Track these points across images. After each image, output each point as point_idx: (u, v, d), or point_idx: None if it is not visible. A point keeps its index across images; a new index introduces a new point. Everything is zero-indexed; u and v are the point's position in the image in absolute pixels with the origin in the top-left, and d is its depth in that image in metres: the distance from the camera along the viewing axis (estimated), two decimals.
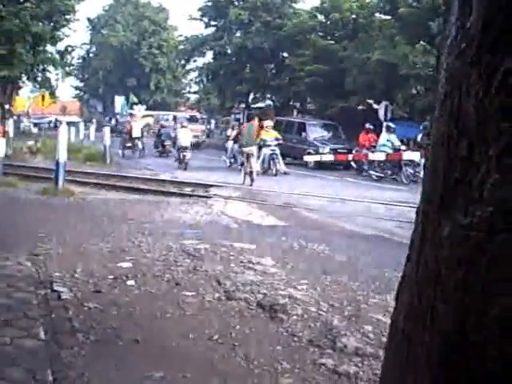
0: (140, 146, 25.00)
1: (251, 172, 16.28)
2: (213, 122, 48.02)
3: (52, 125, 41.21)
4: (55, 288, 5.09)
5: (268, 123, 20.58)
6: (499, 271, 0.71)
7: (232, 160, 21.48)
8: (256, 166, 16.83)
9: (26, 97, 39.42)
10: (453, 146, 0.82)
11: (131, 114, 30.64)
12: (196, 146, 30.03)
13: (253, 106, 40.32)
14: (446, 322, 0.78)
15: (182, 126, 22.75)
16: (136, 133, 24.91)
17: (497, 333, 0.70)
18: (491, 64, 0.76)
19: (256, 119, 18.51)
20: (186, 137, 21.37)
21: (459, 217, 0.78)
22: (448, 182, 0.82)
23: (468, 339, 0.74)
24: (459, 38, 0.83)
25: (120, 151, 24.71)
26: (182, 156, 20.75)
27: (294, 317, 4.73)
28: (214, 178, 16.74)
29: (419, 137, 21.09)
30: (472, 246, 0.75)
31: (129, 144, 25.26)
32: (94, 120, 46.86)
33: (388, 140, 20.06)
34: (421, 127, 21.16)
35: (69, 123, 23.40)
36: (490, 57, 0.76)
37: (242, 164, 17.37)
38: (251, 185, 15.97)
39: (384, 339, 3.58)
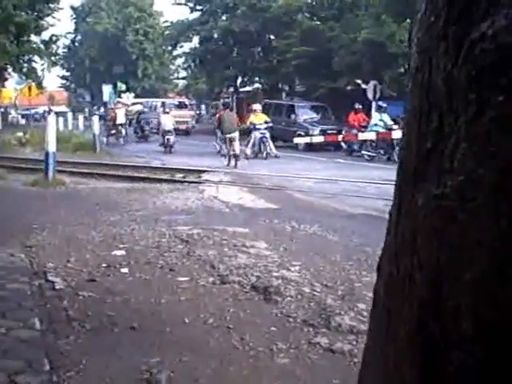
0: (123, 132, 25.73)
1: (235, 155, 17.09)
2: (203, 107, 47.80)
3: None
4: (49, 278, 5.11)
5: (257, 107, 20.71)
6: (470, 237, 0.74)
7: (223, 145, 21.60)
8: (239, 148, 17.56)
9: (12, 88, 39.14)
10: (424, 119, 0.84)
11: (118, 102, 30.77)
12: (186, 132, 30.08)
13: (241, 89, 40.20)
14: (423, 289, 0.81)
15: (165, 112, 24.29)
16: (120, 119, 25.59)
17: (469, 297, 0.73)
18: (457, 36, 0.78)
19: (228, 109, 19.78)
20: (168, 122, 22.66)
21: (432, 188, 0.80)
22: (420, 153, 0.84)
23: (443, 304, 0.76)
24: (428, 12, 0.85)
25: (105, 139, 24.92)
26: (166, 140, 22.10)
27: (288, 298, 4.77)
28: (202, 163, 16.75)
29: None
30: (444, 214, 0.78)
31: (113, 131, 25.94)
32: (87, 109, 46.50)
33: (380, 120, 19.98)
34: None
35: (57, 113, 23.34)
36: (456, 29, 0.79)
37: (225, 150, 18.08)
38: (235, 166, 16.60)
39: None
